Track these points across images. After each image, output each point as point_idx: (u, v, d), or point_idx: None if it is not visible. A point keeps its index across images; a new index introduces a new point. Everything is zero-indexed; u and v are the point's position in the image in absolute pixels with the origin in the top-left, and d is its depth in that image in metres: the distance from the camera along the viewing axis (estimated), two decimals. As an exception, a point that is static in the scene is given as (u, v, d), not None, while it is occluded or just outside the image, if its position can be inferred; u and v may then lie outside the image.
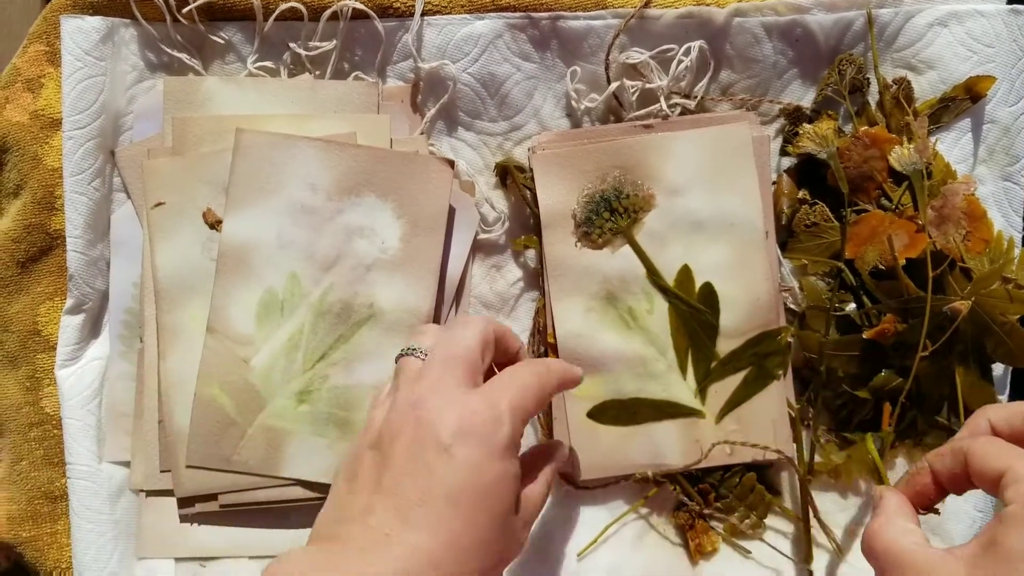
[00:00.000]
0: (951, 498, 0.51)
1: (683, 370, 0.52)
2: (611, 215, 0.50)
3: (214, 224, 0.52)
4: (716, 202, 0.52)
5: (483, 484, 0.37)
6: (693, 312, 0.52)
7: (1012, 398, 0.54)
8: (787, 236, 0.54)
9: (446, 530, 0.36)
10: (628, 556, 0.54)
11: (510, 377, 0.41)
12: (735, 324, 0.52)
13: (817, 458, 0.53)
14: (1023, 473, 0.35)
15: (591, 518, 0.54)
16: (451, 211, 0.53)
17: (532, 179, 0.53)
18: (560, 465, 0.47)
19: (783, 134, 0.54)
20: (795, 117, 0.54)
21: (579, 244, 0.50)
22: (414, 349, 0.43)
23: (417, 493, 0.37)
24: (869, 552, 0.39)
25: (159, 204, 0.52)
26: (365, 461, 0.39)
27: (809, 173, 0.54)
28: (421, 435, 0.38)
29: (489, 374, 0.43)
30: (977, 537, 0.35)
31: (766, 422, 0.52)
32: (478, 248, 0.55)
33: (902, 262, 0.49)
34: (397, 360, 0.43)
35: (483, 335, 0.42)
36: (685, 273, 0.52)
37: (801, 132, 0.53)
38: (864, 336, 0.50)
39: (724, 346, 0.52)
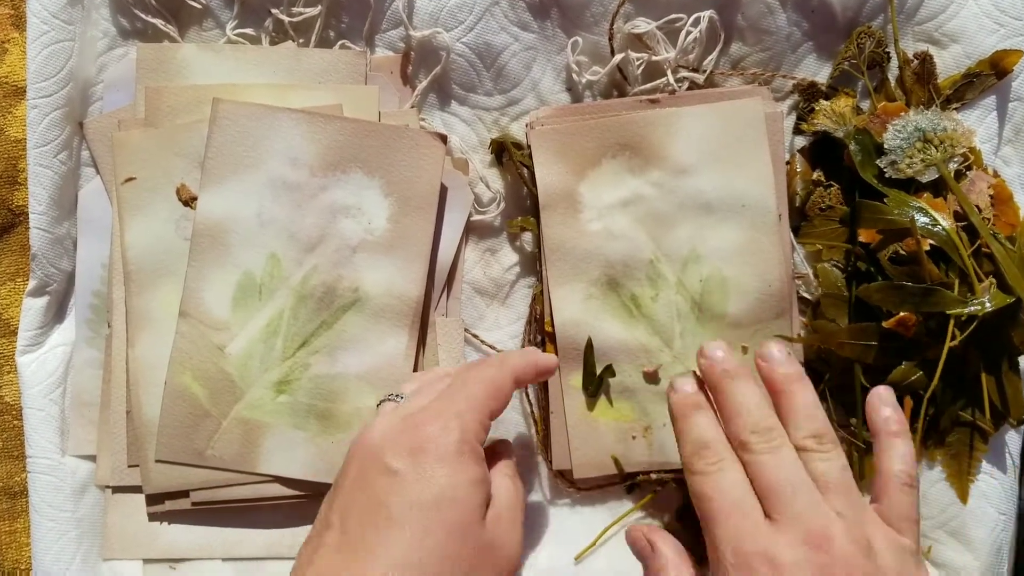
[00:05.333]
0: (972, 501, 0.49)
1: (690, 362, 0.49)
2: (924, 145, 0.46)
3: (188, 201, 0.48)
4: (726, 182, 0.49)
5: (431, 496, 0.36)
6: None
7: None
8: (800, 220, 0.51)
9: (394, 552, 0.35)
10: (628, 560, 0.50)
11: (459, 382, 0.41)
12: (745, 313, 0.49)
13: (831, 456, 0.50)
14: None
15: (589, 520, 0.51)
16: (443, 190, 0.50)
17: (530, 156, 0.50)
18: (511, 456, 0.45)
19: (797, 111, 0.51)
20: (810, 93, 0.51)
21: (886, 170, 0.47)
22: (395, 395, 0.43)
23: (361, 520, 0.36)
24: None
25: (130, 179, 0.49)
26: (323, 503, 0.40)
27: (824, 153, 0.51)
28: (366, 461, 0.38)
29: None
30: None
31: (777, 417, 0.49)
32: (471, 230, 0.52)
33: (926, 247, 0.46)
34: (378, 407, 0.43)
35: (476, 415, 0.40)
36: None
37: (817, 109, 0.50)
38: (883, 325, 0.47)
39: (733, 336, 0.49)
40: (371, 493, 0.37)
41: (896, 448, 0.40)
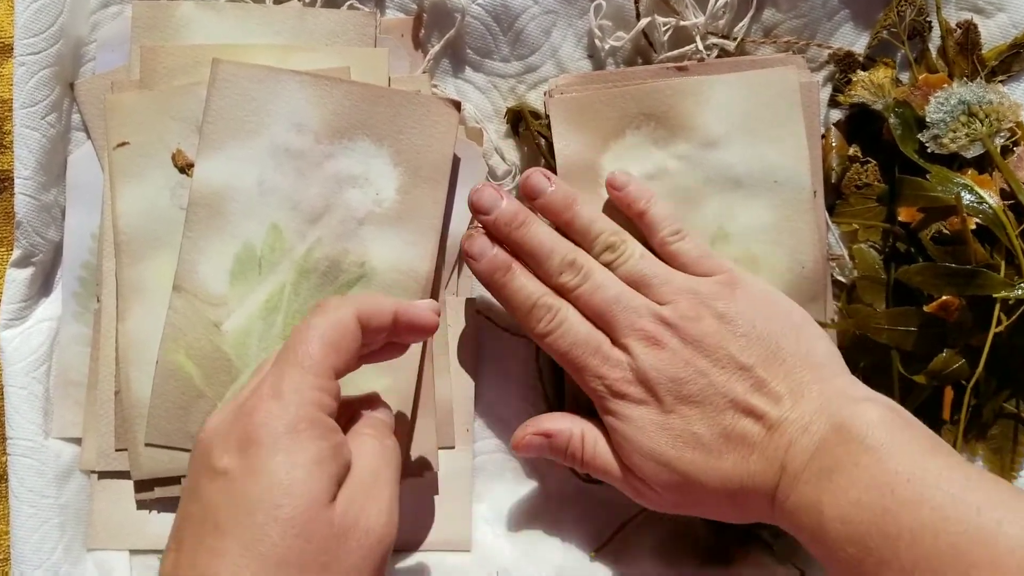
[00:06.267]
0: None
1: None
2: (969, 119, 0.44)
3: (185, 167, 0.46)
4: (757, 156, 0.46)
5: (261, 493, 0.31)
6: None
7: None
8: (835, 198, 0.48)
9: (223, 568, 0.30)
10: (647, 556, 0.47)
11: (292, 341, 0.35)
12: None
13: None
14: None
15: (605, 514, 0.48)
16: (455, 161, 0.47)
17: (548, 127, 0.47)
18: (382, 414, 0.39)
19: (832, 82, 0.48)
20: (846, 64, 0.48)
21: (928, 145, 0.45)
22: None
23: (193, 535, 0.31)
24: None
25: (123, 144, 0.46)
26: None
27: (861, 127, 0.48)
28: (197, 464, 0.33)
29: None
30: None
31: (809, 407, 0.46)
32: None
33: (972, 225, 0.43)
34: None
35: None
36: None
37: (854, 80, 0.47)
38: (924, 310, 0.44)
39: (763, 320, 0.46)
40: (201, 501, 0.32)
41: (654, 218, 0.42)
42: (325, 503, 0.32)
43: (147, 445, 0.45)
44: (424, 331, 0.39)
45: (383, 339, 0.38)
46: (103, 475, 0.46)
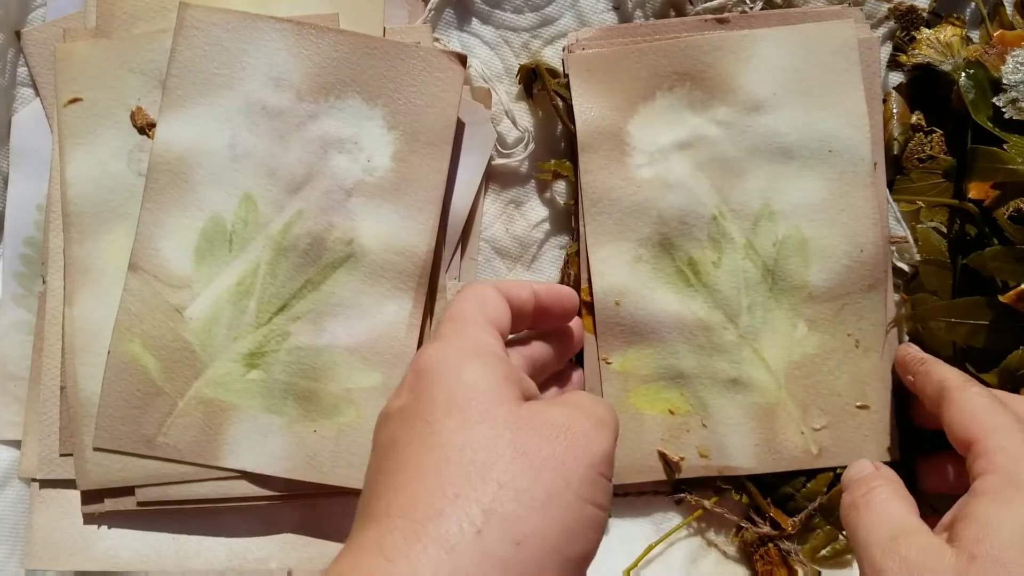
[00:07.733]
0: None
1: (759, 343, 0.41)
2: None
3: (145, 128, 0.42)
4: (809, 122, 0.41)
5: (430, 403, 0.30)
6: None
7: None
8: (895, 172, 0.43)
9: (407, 471, 0.29)
10: (677, 585, 0.42)
11: (456, 298, 0.35)
12: (830, 283, 0.41)
13: (928, 463, 0.42)
14: (990, 447, 0.34)
15: (632, 533, 0.43)
16: (459, 126, 0.42)
17: (567, 86, 0.42)
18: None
19: (892, 41, 0.44)
20: (908, 19, 0.44)
21: (1006, 110, 0.40)
22: None
23: (375, 465, 0.31)
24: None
25: (74, 100, 0.42)
26: None
27: (925, 92, 0.44)
28: (377, 423, 0.33)
29: None
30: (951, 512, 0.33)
31: (865, 414, 0.41)
32: (492, 177, 0.44)
33: (1061, 201, 0.38)
34: None
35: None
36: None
37: (918, 37, 0.42)
38: (1000, 300, 0.39)
39: (814, 312, 0.41)
40: (384, 438, 0.31)
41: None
42: (508, 398, 0.30)
43: (96, 450, 0.41)
44: (571, 311, 0.39)
45: (529, 321, 0.38)
46: (45, 484, 0.43)
